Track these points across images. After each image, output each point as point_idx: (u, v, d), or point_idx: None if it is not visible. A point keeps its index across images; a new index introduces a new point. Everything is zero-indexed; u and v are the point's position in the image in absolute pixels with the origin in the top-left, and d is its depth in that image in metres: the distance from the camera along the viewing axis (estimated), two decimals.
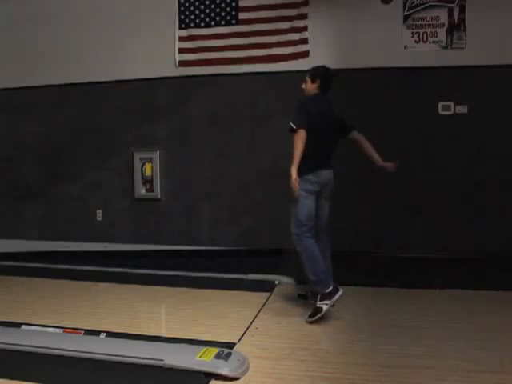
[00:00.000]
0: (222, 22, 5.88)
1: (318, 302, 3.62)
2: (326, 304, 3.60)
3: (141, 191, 6.22)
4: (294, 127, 3.70)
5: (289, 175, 3.67)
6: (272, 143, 5.68)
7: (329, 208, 3.97)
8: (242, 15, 5.82)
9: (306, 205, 3.77)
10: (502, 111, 5.32)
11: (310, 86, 3.95)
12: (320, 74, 3.95)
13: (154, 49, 6.00)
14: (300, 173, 3.73)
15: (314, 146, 3.75)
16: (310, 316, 3.63)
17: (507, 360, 2.91)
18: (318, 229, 3.90)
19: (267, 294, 4.39)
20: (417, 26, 5.47)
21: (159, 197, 6.18)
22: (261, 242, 5.72)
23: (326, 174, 3.86)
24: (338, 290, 3.65)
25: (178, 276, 5.10)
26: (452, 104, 5.42)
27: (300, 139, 3.68)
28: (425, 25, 5.45)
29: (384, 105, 5.52)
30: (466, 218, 5.38)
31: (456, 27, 5.38)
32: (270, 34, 5.74)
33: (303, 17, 5.68)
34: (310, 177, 3.76)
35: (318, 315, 3.59)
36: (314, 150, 3.75)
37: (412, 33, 5.48)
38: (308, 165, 3.75)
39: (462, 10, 5.36)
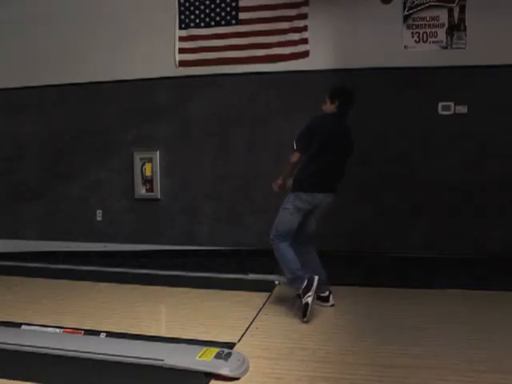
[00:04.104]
0: (222, 22, 5.88)
1: (303, 299, 3.61)
2: (310, 296, 3.59)
3: (141, 191, 6.22)
4: (295, 148, 3.80)
5: (277, 178, 3.80)
6: (272, 143, 5.68)
7: (316, 224, 3.99)
8: (242, 15, 5.82)
9: (289, 220, 3.83)
10: (501, 111, 5.31)
11: (328, 107, 3.98)
12: (338, 94, 3.96)
13: (154, 49, 5.99)
14: (296, 187, 3.78)
15: (317, 165, 3.77)
16: (303, 316, 3.62)
17: (507, 360, 2.91)
18: (303, 237, 3.95)
19: (267, 293, 4.39)
20: (417, 26, 5.47)
21: (159, 197, 6.18)
22: (261, 242, 5.70)
23: (322, 197, 3.85)
24: (313, 279, 3.63)
25: (178, 276, 5.10)
26: (452, 104, 5.42)
27: (293, 162, 3.81)
28: (425, 25, 5.44)
29: (384, 105, 5.51)
30: (466, 218, 5.38)
31: (456, 27, 5.38)
32: (270, 33, 5.74)
33: (303, 17, 5.68)
34: (304, 195, 3.79)
35: (308, 311, 3.58)
36: (316, 168, 3.77)
37: (412, 33, 5.48)
38: (307, 183, 3.78)
39: (462, 9, 5.36)
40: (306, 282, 3.62)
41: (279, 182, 3.91)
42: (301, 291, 3.63)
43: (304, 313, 3.60)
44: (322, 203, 3.86)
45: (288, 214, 3.82)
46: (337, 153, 3.83)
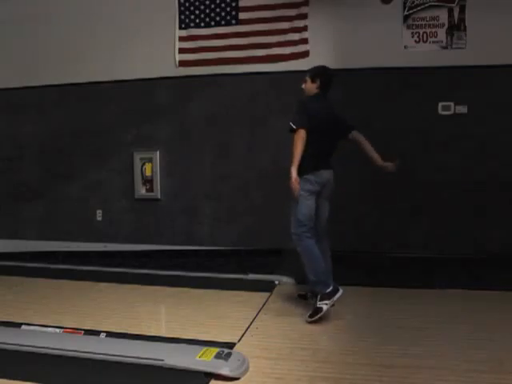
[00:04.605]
0: (222, 22, 5.88)
1: (318, 302, 3.63)
2: (326, 304, 3.60)
3: (141, 191, 6.22)
4: (294, 127, 3.71)
5: (289, 175, 3.67)
6: (272, 143, 5.68)
7: (328, 208, 3.97)
8: (242, 15, 5.82)
9: (306, 205, 3.77)
10: (501, 111, 5.31)
11: (309, 86, 3.96)
12: (320, 73, 3.96)
13: (154, 49, 5.99)
14: (300, 173, 3.73)
15: (314, 146, 3.75)
16: (310, 316, 3.63)
17: (507, 360, 2.91)
18: (318, 229, 3.90)
19: (267, 293, 4.39)
20: (417, 26, 5.47)
21: (159, 197, 6.18)
22: (261, 242, 5.72)
23: (327, 174, 3.86)
24: (337, 290, 3.66)
25: (178, 276, 5.10)
26: (452, 104, 5.42)
27: (300, 139, 3.68)
28: (425, 25, 5.45)
29: (384, 105, 5.51)
30: (466, 218, 5.38)
31: (456, 27, 5.38)
32: (270, 33, 5.74)
33: (303, 17, 5.68)
34: (311, 177, 3.77)
35: (318, 315, 3.59)
36: (315, 149, 3.75)
37: (412, 33, 5.48)
38: (308, 165, 3.75)
39: (462, 9, 5.36)
40: (330, 289, 3.63)
41: (294, 176, 3.64)
42: (320, 295, 3.64)
43: (314, 314, 3.61)
44: (328, 182, 3.87)
45: (303, 199, 3.75)
46: (328, 133, 3.83)
